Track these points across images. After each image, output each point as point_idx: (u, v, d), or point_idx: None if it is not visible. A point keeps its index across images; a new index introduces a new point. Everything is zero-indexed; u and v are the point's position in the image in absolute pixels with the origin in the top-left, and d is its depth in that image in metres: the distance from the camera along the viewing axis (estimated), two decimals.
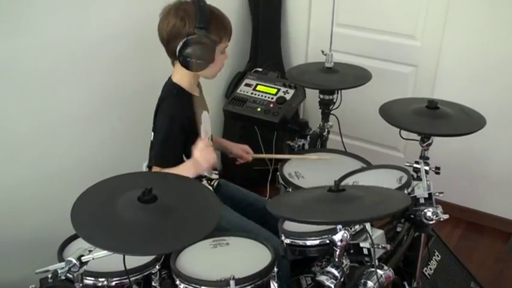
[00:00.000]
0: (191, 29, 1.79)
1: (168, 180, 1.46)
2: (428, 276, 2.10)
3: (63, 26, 2.18)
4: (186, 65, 1.82)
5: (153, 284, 1.66)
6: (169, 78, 1.96)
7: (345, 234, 1.42)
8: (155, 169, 1.88)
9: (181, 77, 1.92)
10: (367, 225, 1.57)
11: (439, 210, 1.78)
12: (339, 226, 1.42)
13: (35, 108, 2.16)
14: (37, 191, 2.22)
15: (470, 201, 3.00)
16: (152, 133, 1.96)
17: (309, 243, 1.62)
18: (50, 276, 1.53)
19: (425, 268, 2.10)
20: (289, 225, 1.70)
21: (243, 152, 2.26)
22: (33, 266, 1.49)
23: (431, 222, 1.78)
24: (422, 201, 1.80)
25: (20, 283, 1.84)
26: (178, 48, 1.79)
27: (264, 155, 2.45)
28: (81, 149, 2.39)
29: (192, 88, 1.97)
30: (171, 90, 1.93)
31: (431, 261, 2.17)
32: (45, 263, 1.43)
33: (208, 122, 2.05)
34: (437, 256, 2.22)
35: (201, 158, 1.81)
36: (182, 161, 1.91)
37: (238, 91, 2.54)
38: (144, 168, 2.59)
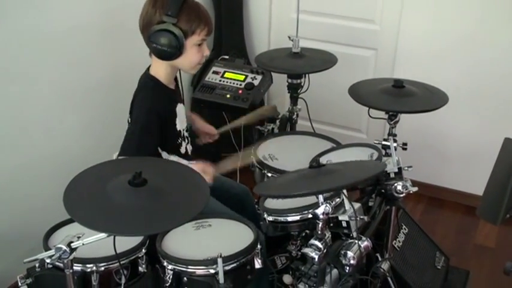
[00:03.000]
0: (161, 17, 1.77)
1: (157, 165, 1.49)
2: (398, 249, 2.20)
3: (29, 18, 2.16)
4: (154, 53, 1.82)
5: (140, 268, 1.69)
6: (147, 70, 1.94)
7: (327, 207, 1.49)
8: None
9: (158, 68, 1.91)
10: (345, 194, 1.64)
11: (408, 183, 1.88)
12: (321, 200, 1.49)
13: (3, 102, 2.14)
14: (8, 184, 2.21)
15: (431, 177, 3.11)
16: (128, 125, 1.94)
17: (290, 219, 1.69)
18: (37, 265, 1.55)
19: (394, 241, 2.20)
20: (271, 203, 1.76)
21: (207, 132, 2.25)
22: (15, 256, 1.47)
23: (401, 195, 1.87)
24: (392, 175, 1.89)
25: (5, 274, 1.83)
26: (148, 35, 1.78)
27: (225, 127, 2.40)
28: (51, 141, 2.37)
29: (169, 81, 1.95)
30: (147, 82, 1.91)
31: (400, 234, 2.27)
32: (27, 254, 1.43)
33: (183, 114, 2.05)
34: (405, 229, 2.32)
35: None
36: (157, 154, 1.91)
37: (206, 79, 2.57)
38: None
